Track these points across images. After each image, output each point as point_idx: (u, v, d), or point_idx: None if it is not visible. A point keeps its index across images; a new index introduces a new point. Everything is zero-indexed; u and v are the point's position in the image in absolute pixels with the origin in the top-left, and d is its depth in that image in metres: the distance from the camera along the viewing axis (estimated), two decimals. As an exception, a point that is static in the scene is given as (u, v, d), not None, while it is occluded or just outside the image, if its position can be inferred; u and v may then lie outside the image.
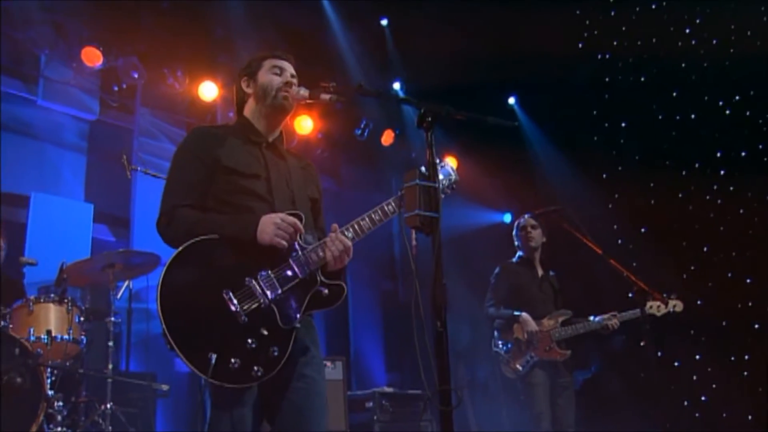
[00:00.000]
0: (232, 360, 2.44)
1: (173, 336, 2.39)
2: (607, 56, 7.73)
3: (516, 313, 5.30)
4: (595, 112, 7.91)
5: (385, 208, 2.80)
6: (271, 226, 2.55)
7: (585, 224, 4.79)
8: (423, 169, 2.46)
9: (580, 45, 7.74)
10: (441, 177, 2.83)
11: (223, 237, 2.56)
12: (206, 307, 2.47)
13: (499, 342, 5.36)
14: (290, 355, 2.56)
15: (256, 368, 2.47)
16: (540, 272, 5.60)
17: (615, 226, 7.31)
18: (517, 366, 5.21)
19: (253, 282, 2.55)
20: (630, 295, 4.55)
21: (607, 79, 7.71)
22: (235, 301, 2.50)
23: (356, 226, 2.74)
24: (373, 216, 2.78)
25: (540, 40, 6.96)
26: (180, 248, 2.53)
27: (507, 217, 9.29)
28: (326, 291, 2.66)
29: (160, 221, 2.67)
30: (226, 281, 2.52)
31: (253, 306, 2.52)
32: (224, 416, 2.50)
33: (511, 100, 9.01)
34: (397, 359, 8.84)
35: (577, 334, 5.23)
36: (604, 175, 7.63)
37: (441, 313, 2.26)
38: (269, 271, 2.58)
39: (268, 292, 2.55)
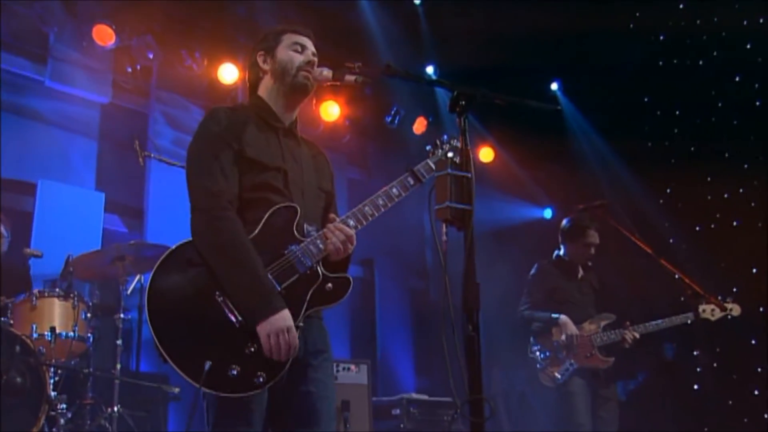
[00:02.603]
0: (231, 367, 2.40)
1: (165, 345, 2.36)
2: (661, 37, 7.61)
3: (554, 315, 5.21)
4: (646, 99, 7.82)
5: (390, 191, 2.75)
6: (276, 329, 2.41)
7: (633, 221, 4.72)
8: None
9: (631, 25, 7.59)
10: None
11: (231, 289, 2.46)
12: (199, 312, 2.43)
13: (536, 347, 5.29)
14: (299, 357, 2.52)
15: (258, 374, 2.42)
16: (581, 273, 5.51)
17: (666, 224, 7.23)
18: (555, 373, 5.13)
19: None
20: (682, 298, 4.46)
21: (660, 63, 7.58)
22: (229, 304, 2.45)
23: (359, 214, 2.70)
24: (377, 201, 2.73)
25: (586, 19, 6.83)
26: (169, 250, 2.50)
27: (548, 213, 9.22)
28: (330, 285, 2.61)
29: (195, 219, 2.54)
30: (218, 282, 2.46)
31: None
32: None
33: (554, 86, 8.93)
34: (427, 363, 8.82)
35: (620, 339, 5.14)
36: (655, 168, 7.51)
37: (473, 315, 2.22)
38: (265, 268, 2.51)
39: None
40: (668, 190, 7.42)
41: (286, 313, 2.45)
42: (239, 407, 2.45)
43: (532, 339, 5.34)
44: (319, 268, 2.60)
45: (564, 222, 5.60)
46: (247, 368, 2.41)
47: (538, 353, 5.26)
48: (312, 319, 2.65)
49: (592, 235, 5.40)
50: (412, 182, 2.80)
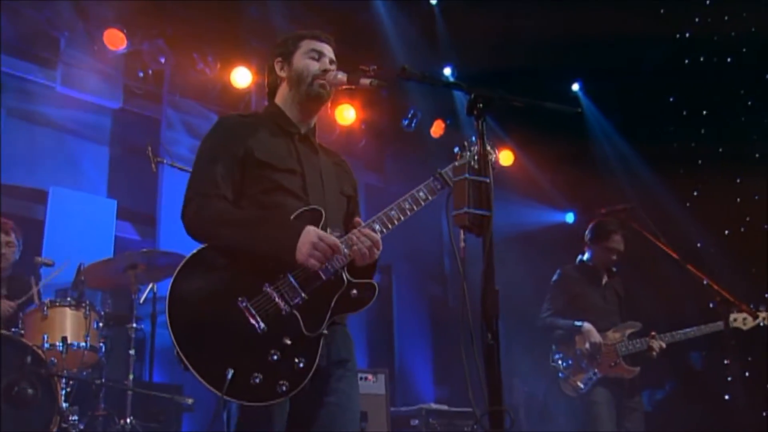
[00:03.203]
0: (254, 375, 2.40)
1: (186, 354, 2.37)
2: (687, 35, 7.54)
3: (577, 323, 5.16)
4: (671, 99, 7.75)
5: (417, 195, 2.75)
6: (308, 245, 2.49)
7: (658, 225, 4.66)
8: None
9: (655, 22, 7.52)
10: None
11: (255, 249, 2.52)
12: (221, 318, 2.45)
13: (558, 356, 5.24)
14: (322, 366, 2.52)
15: (281, 382, 2.42)
16: (605, 279, 5.46)
17: (694, 228, 7.12)
18: (578, 383, 5.08)
19: (272, 287, 2.51)
20: (711, 305, 4.42)
21: (686, 61, 7.52)
22: (252, 310, 2.46)
23: (384, 218, 2.69)
24: (403, 204, 2.72)
25: (607, 17, 6.79)
26: (189, 255, 2.52)
27: (569, 217, 9.17)
28: (355, 291, 2.61)
29: (186, 209, 2.62)
30: (241, 288, 2.49)
31: (273, 314, 2.48)
32: None
33: (575, 87, 8.90)
34: (447, 372, 8.79)
35: (645, 349, 5.09)
36: (681, 170, 7.47)
37: (492, 323, 2.20)
38: (289, 274, 2.53)
39: (289, 298, 2.51)
40: (695, 193, 7.37)
41: (308, 228, 2.52)
42: (261, 416, 2.46)
43: (553, 347, 5.29)
44: (343, 274, 2.60)
45: (590, 225, 5.55)
46: (270, 376, 2.41)
47: (560, 362, 5.21)
48: (336, 326, 2.66)
49: (616, 240, 5.34)
50: (439, 186, 2.79)
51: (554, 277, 5.53)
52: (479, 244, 2.31)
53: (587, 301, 5.33)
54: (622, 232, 5.34)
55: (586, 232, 5.52)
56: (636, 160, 7.91)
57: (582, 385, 5.07)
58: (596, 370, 5.06)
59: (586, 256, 5.50)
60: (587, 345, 5.07)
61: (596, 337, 5.08)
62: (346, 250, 2.59)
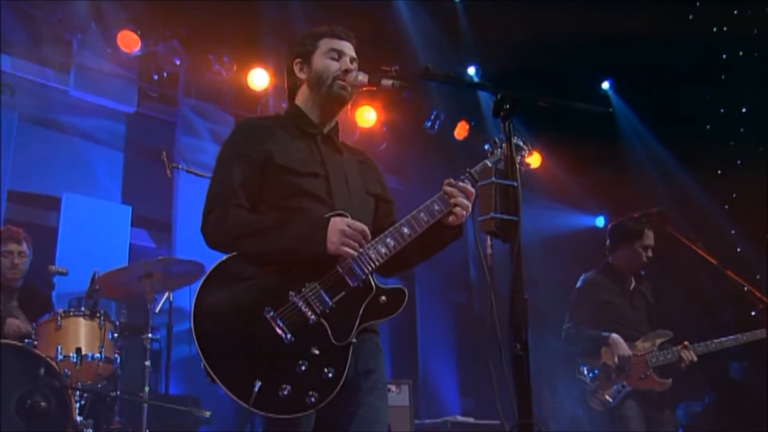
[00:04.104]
0: (282, 386, 2.42)
1: (213, 366, 2.40)
2: (724, 29, 7.46)
3: (604, 333, 5.08)
4: (707, 96, 7.66)
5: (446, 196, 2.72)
6: (337, 234, 2.51)
7: (695, 229, 4.61)
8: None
9: (690, 16, 7.46)
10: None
11: (285, 250, 2.54)
12: (247, 330, 2.47)
13: (584, 368, 5.14)
14: (349, 376, 2.52)
15: (310, 393, 2.44)
16: (633, 283, 5.33)
17: (733, 231, 7.05)
18: (606, 397, 5.00)
19: (298, 296, 2.52)
20: (753, 313, 4.36)
21: (724, 56, 7.43)
22: (278, 320, 2.48)
23: (413, 221, 2.67)
24: (432, 207, 2.70)
25: (639, 12, 6.74)
26: (213, 265, 2.54)
27: (600, 221, 9.11)
28: (384, 298, 2.61)
29: (207, 219, 2.64)
30: (266, 298, 2.50)
31: (300, 323, 2.49)
32: None
33: (605, 85, 8.86)
34: (473, 383, 8.76)
35: (677, 360, 4.98)
36: (719, 171, 7.38)
37: (521, 333, 2.18)
38: (315, 282, 2.54)
39: (316, 306, 2.51)
40: (734, 195, 7.28)
41: (334, 219, 2.55)
42: (288, 428, 2.47)
43: (579, 359, 5.19)
44: (372, 280, 2.61)
45: (614, 225, 5.44)
46: (298, 387, 2.43)
47: (587, 374, 5.14)
48: (366, 334, 2.66)
49: (649, 236, 5.18)
50: (469, 185, 2.78)
51: (578, 284, 5.42)
52: (506, 250, 2.30)
53: (614, 308, 5.21)
54: (649, 226, 5.24)
55: (611, 236, 5.37)
56: (670, 161, 7.85)
57: (610, 399, 4.98)
58: (625, 383, 4.96)
59: (611, 259, 5.35)
60: (616, 359, 4.97)
61: (625, 349, 4.97)
62: (383, 249, 2.60)
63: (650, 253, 5.21)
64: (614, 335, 5.03)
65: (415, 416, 6.03)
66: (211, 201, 2.67)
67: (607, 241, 5.40)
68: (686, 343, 4.98)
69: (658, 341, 5.06)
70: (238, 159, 2.71)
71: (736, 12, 7.38)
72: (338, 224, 2.53)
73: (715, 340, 5.02)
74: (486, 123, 8.51)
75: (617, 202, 8.14)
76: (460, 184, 2.69)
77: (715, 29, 7.50)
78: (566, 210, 8.93)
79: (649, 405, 5.00)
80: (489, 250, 2.41)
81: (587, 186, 8.71)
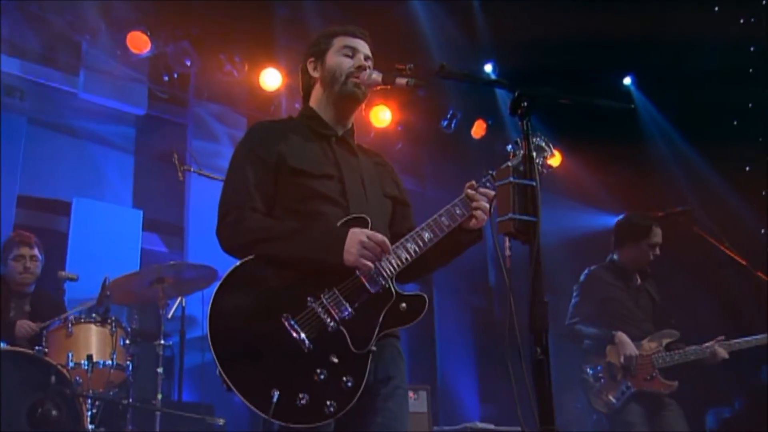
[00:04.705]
0: (300, 396, 2.42)
1: (229, 373, 2.40)
2: (752, 20, 7.37)
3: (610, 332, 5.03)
4: (733, 91, 7.58)
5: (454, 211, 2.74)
6: (356, 245, 2.52)
7: (721, 228, 4.57)
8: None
9: (716, 7, 7.39)
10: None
11: (302, 258, 2.54)
12: (265, 337, 2.47)
13: (587, 367, 5.10)
14: (369, 382, 2.53)
15: (328, 403, 2.44)
16: (638, 281, 5.29)
17: (762, 230, 6.98)
18: (611, 398, 4.95)
19: (316, 303, 2.52)
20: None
21: (752, 48, 7.36)
22: (297, 327, 2.48)
23: (434, 225, 2.70)
24: (453, 210, 2.75)
25: (661, 2, 6.68)
26: (230, 270, 2.54)
27: (622, 221, 9.05)
28: (404, 305, 2.61)
29: (223, 222, 2.66)
30: (284, 304, 2.51)
31: (319, 330, 2.49)
32: None
33: (627, 81, 8.80)
34: (493, 389, 8.74)
35: (686, 361, 4.93)
36: (747, 168, 7.31)
37: (541, 337, 2.16)
38: (334, 289, 2.55)
39: (335, 313, 2.51)
40: (763, 193, 7.21)
41: (353, 229, 2.56)
42: None
43: (582, 358, 5.15)
44: (392, 286, 2.61)
45: (620, 221, 5.40)
46: (316, 396, 2.44)
47: (590, 374, 5.08)
48: (387, 339, 2.66)
49: (657, 233, 5.14)
50: (490, 187, 2.79)
51: (581, 279, 5.38)
52: (526, 252, 2.28)
53: (618, 305, 5.17)
54: (657, 222, 5.19)
55: (617, 232, 5.34)
56: (695, 159, 7.78)
57: (614, 400, 4.92)
58: (630, 384, 4.91)
59: (616, 256, 5.32)
60: (622, 358, 4.91)
61: (631, 348, 4.92)
62: (404, 254, 2.62)
63: (657, 251, 5.16)
64: (620, 334, 4.97)
65: (434, 423, 6.01)
66: (227, 204, 2.68)
67: (613, 237, 5.37)
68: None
69: (665, 341, 5.01)
70: (252, 161, 2.72)
71: (764, 2, 7.30)
72: (358, 235, 2.54)
73: (741, 339, 4.96)
74: (504, 122, 8.49)
75: (640, 202, 8.07)
76: (482, 189, 2.71)
77: (742, 20, 7.42)
78: (587, 210, 8.87)
79: (656, 408, 4.93)
80: (508, 252, 2.40)
81: (609, 185, 8.66)
